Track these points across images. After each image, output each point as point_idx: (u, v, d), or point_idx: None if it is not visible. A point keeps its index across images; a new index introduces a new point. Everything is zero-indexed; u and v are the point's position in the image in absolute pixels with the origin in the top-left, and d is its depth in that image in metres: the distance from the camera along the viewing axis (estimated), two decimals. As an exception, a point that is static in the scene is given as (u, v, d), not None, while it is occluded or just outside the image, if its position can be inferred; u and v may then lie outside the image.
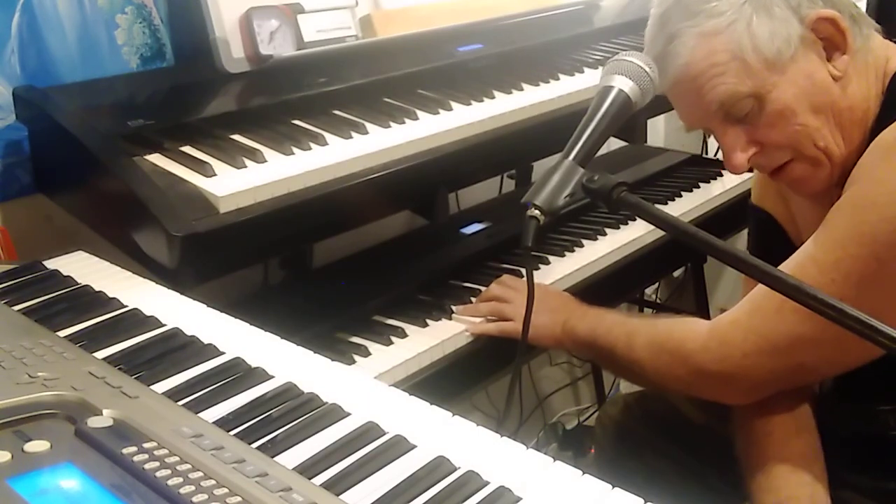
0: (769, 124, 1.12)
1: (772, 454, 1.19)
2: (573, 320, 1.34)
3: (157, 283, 1.13)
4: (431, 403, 0.85)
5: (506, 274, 1.51)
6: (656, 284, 2.65)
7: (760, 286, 1.13)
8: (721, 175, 2.07)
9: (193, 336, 0.98)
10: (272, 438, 0.79)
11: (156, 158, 1.23)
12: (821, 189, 1.18)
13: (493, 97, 1.55)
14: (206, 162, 1.21)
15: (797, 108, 1.11)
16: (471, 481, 0.73)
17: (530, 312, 1.14)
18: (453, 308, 1.43)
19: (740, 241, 1.50)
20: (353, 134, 1.35)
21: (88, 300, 1.07)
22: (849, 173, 1.10)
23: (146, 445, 0.70)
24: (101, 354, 0.92)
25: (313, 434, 0.80)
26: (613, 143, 2.16)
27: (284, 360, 0.93)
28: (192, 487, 0.64)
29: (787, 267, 1.11)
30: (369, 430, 0.80)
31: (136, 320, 1.02)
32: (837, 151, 1.13)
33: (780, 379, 1.16)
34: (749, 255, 0.94)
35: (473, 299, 1.46)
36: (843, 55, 1.10)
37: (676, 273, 2.59)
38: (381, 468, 0.75)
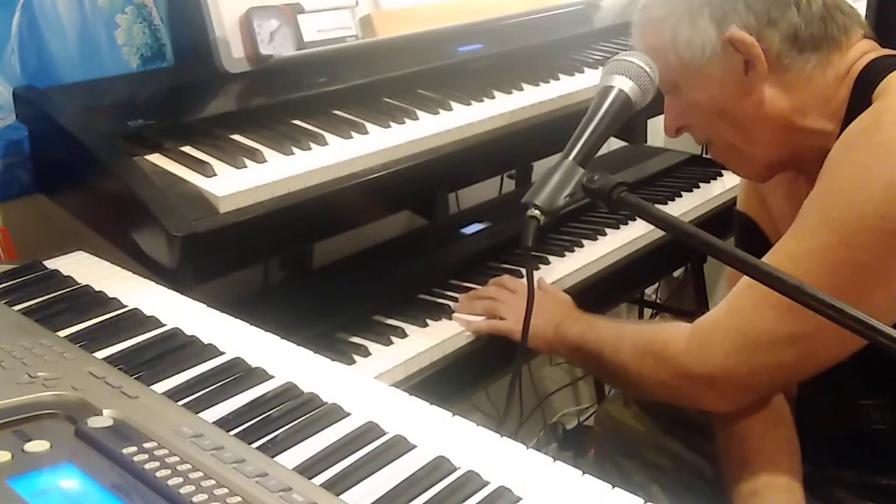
0: (686, 110, 1.24)
1: (749, 446, 1.21)
2: (565, 324, 1.34)
3: (157, 283, 1.13)
4: (431, 403, 0.85)
5: (505, 274, 1.51)
6: (656, 284, 2.65)
7: (738, 285, 1.14)
8: (721, 175, 2.07)
9: (193, 336, 0.98)
10: (272, 438, 0.79)
11: (156, 158, 1.23)
12: (745, 176, 1.32)
13: (493, 97, 1.55)
14: (206, 162, 1.21)
15: (704, 108, 1.21)
16: (471, 481, 0.73)
17: (530, 312, 1.14)
18: (454, 307, 1.42)
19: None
20: (353, 134, 1.35)
21: (88, 300, 1.07)
22: (814, 167, 1.12)
23: (146, 445, 0.70)
24: (101, 354, 0.92)
25: (313, 434, 0.80)
26: (613, 143, 2.16)
27: (284, 360, 0.93)
28: (192, 487, 0.64)
29: (765, 262, 1.12)
30: (369, 430, 0.80)
31: (136, 320, 1.02)
32: (747, 150, 1.22)
33: (762, 381, 1.17)
34: (748, 255, 0.94)
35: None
36: (756, 73, 1.15)
37: (676, 273, 2.59)
38: (381, 468, 0.75)
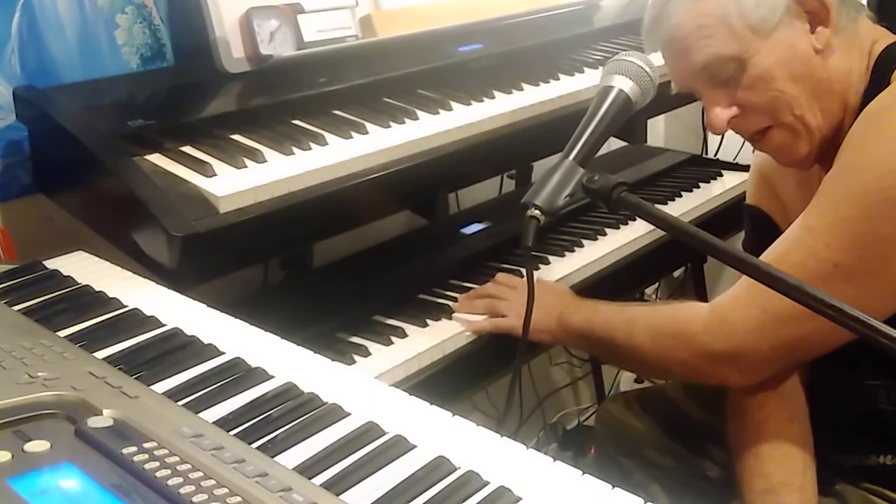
0: (749, 87, 1.17)
1: (765, 440, 1.21)
2: (568, 313, 1.34)
3: (157, 283, 1.13)
4: (431, 403, 0.85)
5: (503, 273, 1.51)
6: (656, 284, 2.65)
7: None
8: (721, 175, 2.07)
9: (193, 336, 0.98)
10: (272, 438, 0.79)
11: (156, 158, 1.23)
12: (800, 159, 1.22)
13: (493, 97, 1.55)
14: (206, 162, 1.21)
15: (776, 74, 1.15)
16: (471, 481, 0.73)
17: (530, 313, 1.15)
18: (454, 307, 1.42)
19: (740, 241, 1.51)
20: (353, 134, 1.35)
21: (88, 300, 1.07)
22: (829, 151, 1.14)
23: (146, 445, 0.70)
24: (101, 354, 0.92)
25: (313, 434, 0.80)
26: (613, 143, 2.16)
27: (284, 360, 0.93)
28: (192, 487, 0.64)
29: (784, 238, 1.15)
30: (369, 430, 0.80)
31: (136, 320, 1.02)
32: (814, 121, 1.17)
33: (783, 356, 1.17)
34: (749, 255, 0.95)
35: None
36: (826, 29, 1.14)
37: (676, 273, 2.59)
38: (381, 468, 0.75)
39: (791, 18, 1.14)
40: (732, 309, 1.16)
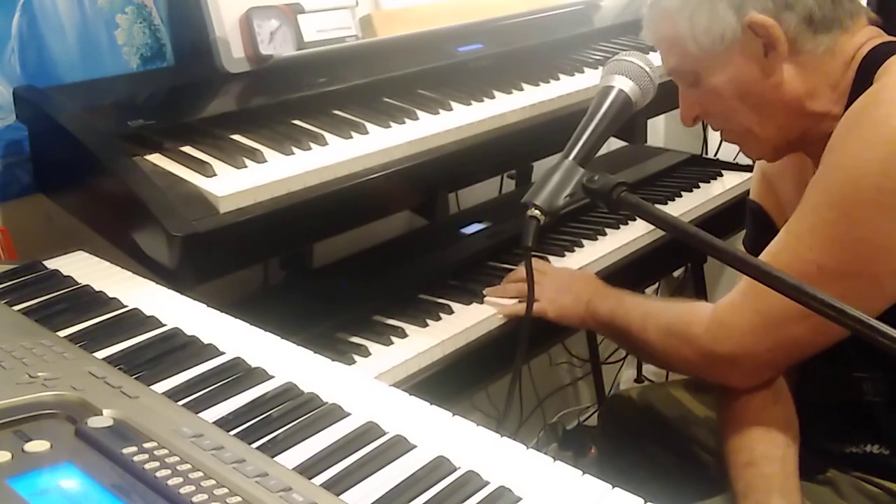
0: (706, 97, 1.25)
1: (749, 418, 1.24)
2: (596, 300, 1.38)
3: (157, 283, 1.13)
4: (431, 403, 0.85)
5: (536, 259, 1.51)
6: (656, 284, 2.65)
7: None
8: (721, 175, 2.07)
9: (193, 336, 0.98)
10: (272, 438, 0.79)
11: (156, 158, 1.23)
12: (756, 157, 1.35)
13: (493, 97, 1.55)
14: (206, 162, 1.21)
15: (725, 93, 1.22)
16: (471, 481, 0.73)
17: (530, 312, 1.16)
18: (454, 307, 1.43)
19: (740, 241, 1.51)
20: (353, 134, 1.35)
21: (88, 300, 1.07)
22: (819, 152, 1.15)
23: (146, 445, 0.70)
24: (101, 354, 0.92)
25: (313, 434, 0.80)
26: (613, 143, 2.16)
27: (284, 360, 0.93)
28: (192, 487, 0.64)
29: (775, 242, 1.17)
30: (369, 430, 0.80)
31: (136, 320, 1.02)
32: (763, 133, 1.24)
33: (780, 357, 1.20)
34: (749, 255, 0.95)
35: (477, 299, 1.45)
36: (776, 54, 1.17)
37: (676, 273, 2.59)
38: (381, 468, 0.75)
39: (741, 44, 1.17)
40: (730, 312, 1.20)
